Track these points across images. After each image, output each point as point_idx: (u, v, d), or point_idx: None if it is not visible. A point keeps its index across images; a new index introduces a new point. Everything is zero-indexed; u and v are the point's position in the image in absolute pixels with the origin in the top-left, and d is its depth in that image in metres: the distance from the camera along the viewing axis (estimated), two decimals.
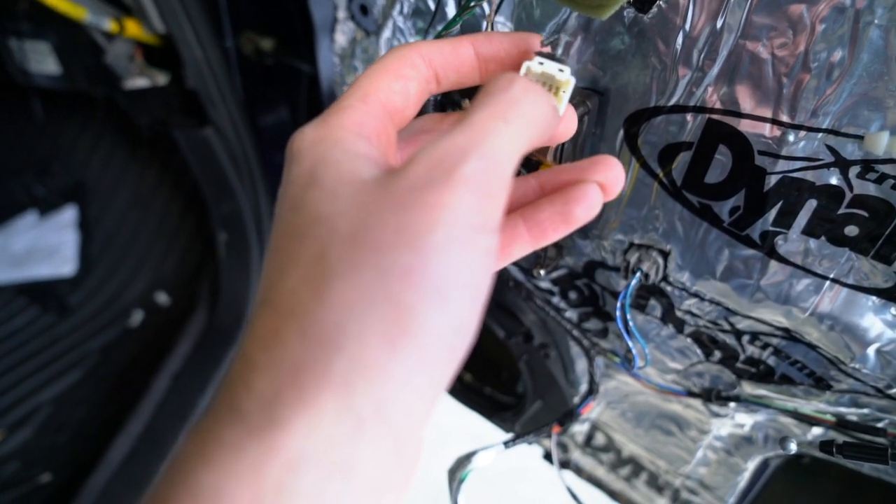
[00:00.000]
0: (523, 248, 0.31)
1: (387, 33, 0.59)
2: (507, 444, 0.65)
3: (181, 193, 1.24)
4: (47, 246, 1.27)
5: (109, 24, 0.77)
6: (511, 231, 0.31)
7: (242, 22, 0.83)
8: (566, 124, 0.33)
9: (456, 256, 0.22)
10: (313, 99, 0.92)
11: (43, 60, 0.99)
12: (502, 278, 0.65)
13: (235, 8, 0.81)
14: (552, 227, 0.31)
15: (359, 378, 0.21)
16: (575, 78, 0.30)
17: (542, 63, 0.30)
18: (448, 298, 0.22)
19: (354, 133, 0.26)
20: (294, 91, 0.92)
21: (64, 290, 1.26)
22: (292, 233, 0.24)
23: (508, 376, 0.81)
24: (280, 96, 0.93)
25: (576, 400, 0.71)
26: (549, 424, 0.65)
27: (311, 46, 0.81)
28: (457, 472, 0.63)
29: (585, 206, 0.31)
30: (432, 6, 0.54)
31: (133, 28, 0.80)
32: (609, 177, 0.31)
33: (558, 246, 0.57)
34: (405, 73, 0.29)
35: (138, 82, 0.90)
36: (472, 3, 0.43)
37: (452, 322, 0.22)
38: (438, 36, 0.45)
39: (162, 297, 1.25)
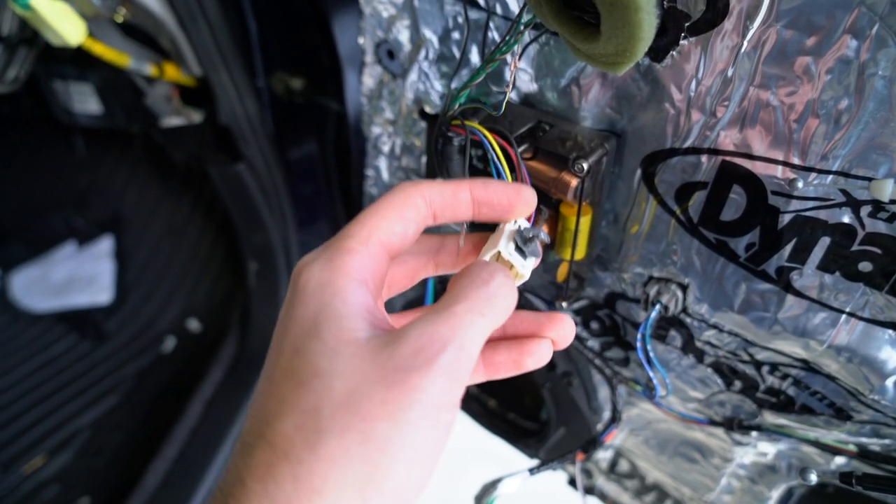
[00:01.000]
0: (476, 379, 0.37)
1: (412, 76, 0.62)
2: (532, 470, 0.67)
3: (212, 224, 1.28)
4: (85, 275, 1.32)
5: (150, 69, 0.82)
6: None
7: (274, 62, 0.87)
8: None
9: (424, 430, 0.27)
10: (340, 134, 0.96)
11: (85, 101, 1.04)
12: (523, 308, 0.67)
13: (267, 50, 0.85)
14: (504, 369, 0.36)
15: None
16: (528, 276, 0.34)
17: (511, 254, 0.34)
18: (413, 463, 0.27)
19: (357, 281, 0.30)
20: (322, 127, 0.96)
21: (100, 317, 1.30)
22: (292, 378, 0.28)
23: (532, 403, 0.82)
24: (309, 132, 0.96)
25: (599, 427, 0.72)
26: (574, 451, 0.67)
27: (339, 86, 0.85)
28: (483, 498, 0.65)
29: (536, 358, 0.37)
30: (457, 53, 0.57)
31: (171, 71, 0.84)
32: (560, 334, 0.38)
33: (580, 278, 0.59)
34: (407, 214, 0.33)
35: (174, 121, 0.95)
36: (497, 57, 0.46)
37: (414, 482, 0.27)
38: (465, 85, 0.48)
39: (193, 324, 1.29)
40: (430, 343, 0.27)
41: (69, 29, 0.68)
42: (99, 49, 0.75)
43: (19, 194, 1.36)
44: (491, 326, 0.30)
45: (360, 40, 0.66)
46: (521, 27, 0.44)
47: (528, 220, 0.39)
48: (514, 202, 0.36)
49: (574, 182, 0.50)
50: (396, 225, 0.32)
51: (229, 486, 0.26)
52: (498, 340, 0.37)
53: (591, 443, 0.65)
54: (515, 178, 0.45)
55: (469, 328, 0.29)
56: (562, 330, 0.37)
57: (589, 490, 0.82)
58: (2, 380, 1.24)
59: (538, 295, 0.65)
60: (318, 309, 0.29)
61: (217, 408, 0.98)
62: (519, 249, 0.35)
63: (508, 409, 0.89)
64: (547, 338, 0.37)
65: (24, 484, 1.04)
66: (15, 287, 1.36)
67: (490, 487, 0.66)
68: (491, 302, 0.30)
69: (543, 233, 0.37)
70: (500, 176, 0.45)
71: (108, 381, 1.18)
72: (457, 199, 0.35)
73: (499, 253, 0.34)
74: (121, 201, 1.34)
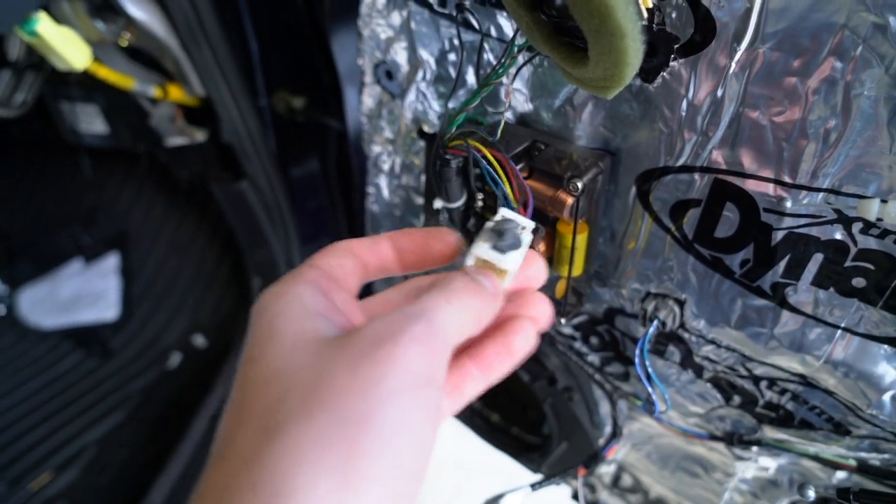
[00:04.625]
0: (475, 384, 0.34)
1: (411, 97, 0.63)
2: (534, 486, 0.67)
3: (216, 241, 1.30)
4: (92, 292, 1.33)
5: (155, 91, 0.83)
6: (460, 371, 0.33)
7: (275, 81, 0.88)
8: (536, 274, 0.37)
9: (404, 407, 0.24)
10: (342, 152, 0.97)
11: (91, 121, 1.06)
12: None
13: (269, 69, 0.87)
14: (498, 360, 0.34)
15: None
16: (515, 268, 0.34)
17: (487, 252, 0.33)
18: (400, 447, 0.23)
19: (312, 286, 0.29)
20: (324, 145, 0.97)
21: (107, 333, 1.32)
22: (249, 387, 0.25)
23: (534, 418, 0.82)
24: (311, 149, 0.98)
25: (601, 442, 0.72)
26: (575, 467, 0.67)
27: (339, 105, 0.86)
28: None
29: (523, 336, 0.34)
30: (453, 74, 0.58)
31: (175, 93, 0.86)
32: (538, 312, 0.35)
33: (578, 294, 0.59)
34: (340, 255, 0.33)
35: (178, 140, 0.96)
36: (492, 81, 0.47)
37: (402, 469, 0.23)
38: (461, 109, 0.49)
39: (199, 340, 1.30)
40: (396, 320, 0.26)
41: (75, 54, 0.70)
42: (104, 73, 0.76)
43: (27, 213, 1.38)
44: (461, 317, 0.29)
45: (360, 61, 0.67)
46: (516, 50, 0.45)
47: (522, 213, 0.38)
48: (433, 244, 0.35)
49: (570, 200, 0.50)
50: (334, 260, 0.32)
51: None
52: (482, 338, 0.34)
53: (593, 458, 0.66)
54: (514, 193, 0.46)
55: (437, 309, 0.27)
56: (538, 308, 0.35)
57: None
58: (9, 397, 1.25)
59: None
60: (275, 315, 0.27)
61: None
62: (495, 247, 0.33)
63: (512, 423, 0.89)
64: (526, 316, 0.35)
65: (31, 501, 1.05)
66: (23, 304, 1.38)
67: (492, 503, 0.66)
68: (456, 295, 0.29)
69: (520, 219, 0.35)
70: (500, 190, 0.46)
71: (115, 398, 1.19)
72: (377, 251, 0.34)
73: (476, 256, 0.33)
74: (127, 219, 1.36)
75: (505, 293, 0.33)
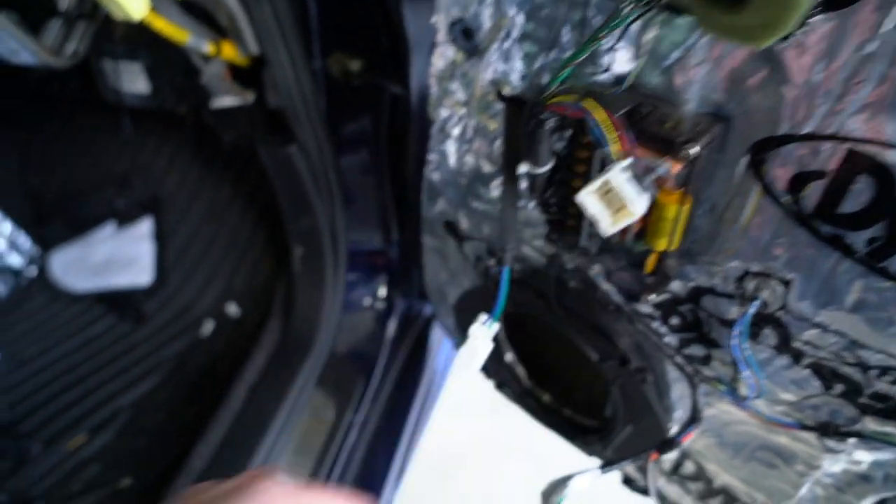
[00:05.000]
0: None
1: (491, 56, 0.60)
2: (603, 467, 0.64)
3: (254, 208, 1.27)
4: (125, 256, 1.31)
5: (208, 47, 0.80)
6: None
7: (332, 43, 0.85)
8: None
9: None
10: (396, 117, 0.94)
11: (134, 80, 1.03)
12: (598, 300, 0.64)
13: (326, 30, 0.83)
14: None
15: None
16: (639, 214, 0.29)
17: (622, 184, 0.28)
18: None
19: None
20: (377, 110, 0.94)
21: (139, 299, 1.30)
22: None
23: (595, 399, 0.79)
24: (363, 115, 0.94)
25: (673, 427, 0.69)
26: (647, 451, 0.64)
27: (399, 67, 0.82)
28: (552, 495, 0.63)
29: None
30: (545, 32, 0.54)
31: (228, 50, 0.82)
32: None
33: (667, 270, 0.56)
34: None
35: (227, 100, 0.93)
36: (601, 35, 0.43)
37: None
38: (567, 62, 0.45)
39: (232, 308, 1.28)
40: None
41: (133, 3, 0.66)
42: (160, 24, 0.73)
43: (61, 174, 1.36)
44: None
45: (433, 19, 0.63)
46: (630, 3, 0.41)
47: None
48: None
49: (678, 167, 0.47)
50: None
51: None
52: None
53: (668, 443, 0.63)
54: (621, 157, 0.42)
55: None
56: None
57: (643, 490, 0.79)
58: (42, 357, 1.24)
59: (621, 287, 0.62)
60: None
61: (261, 393, 0.96)
62: (634, 179, 0.29)
63: (564, 404, 0.86)
64: None
65: (67, 462, 1.04)
66: (55, 266, 1.36)
67: (560, 485, 0.63)
68: None
69: (665, 167, 0.32)
70: (603, 152, 0.43)
71: (148, 363, 1.17)
72: None
73: (607, 182, 0.29)
74: (162, 183, 1.33)
75: None
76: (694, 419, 0.61)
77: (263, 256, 1.26)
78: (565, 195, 0.56)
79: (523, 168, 0.54)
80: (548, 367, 0.85)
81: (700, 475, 0.74)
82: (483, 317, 0.63)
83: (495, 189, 0.69)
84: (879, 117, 0.39)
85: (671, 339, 0.64)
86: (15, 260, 1.32)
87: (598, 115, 0.41)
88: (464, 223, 0.79)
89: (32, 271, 1.36)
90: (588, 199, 0.34)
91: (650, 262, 0.55)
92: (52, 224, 1.37)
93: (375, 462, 1.00)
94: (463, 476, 1.59)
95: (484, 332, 0.62)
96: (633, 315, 0.63)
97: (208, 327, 1.27)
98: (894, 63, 0.37)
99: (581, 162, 0.52)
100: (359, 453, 0.97)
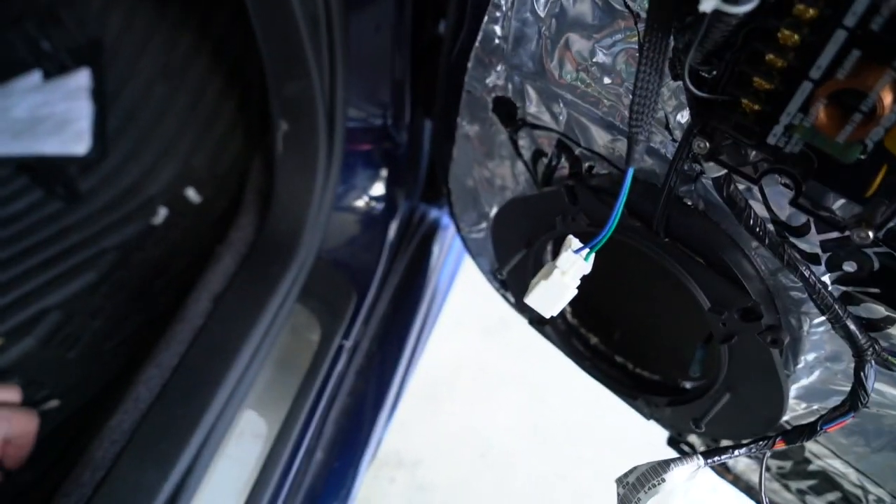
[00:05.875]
0: None
1: None
2: (707, 457, 0.47)
3: (221, 67, 1.00)
4: (55, 115, 1.04)
5: None
6: None
7: None
8: None
9: None
10: None
11: None
12: (739, 226, 0.44)
13: None
14: None
15: None
16: None
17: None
18: None
19: None
20: None
21: (74, 172, 1.04)
22: None
23: (670, 351, 0.62)
24: None
25: (812, 409, 0.52)
26: (774, 437, 0.47)
27: None
28: (640, 490, 0.46)
29: None
30: None
31: None
32: None
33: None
34: None
35: None
36: None
37: None
38: None
39: (191, 194, 1.04)
40: None
41: None
42: None
43: None
44: None
45: None
46: None
47: None
48: None
49: None
50: None
51: None
52: None
53: (807, 430, 0.46)
54: None
55: None
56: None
57: (722, 471, 0.64)
58: None
59: (766, 205, 0.42)
60: None
61: (228, 305, 0.76)
62: None
63: (618, 351, 0.69)
64: None
65: None
66: None
67: (651, 476, 0.46)
68: None
69: None
70: None
71: (83, 254, 0.94)
72: None
73: None
74: (104, 24, 1.03)
75: None
76: (855, 406, 0.43)
77: (234, 129, 1.00)
78: (756, 60, 0.34)
79: (707, 3, 0.32)
80: (612, 307, 0.66)
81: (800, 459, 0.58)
82: (574, 242, 0.43)
83: (603, 50, 0.47)
84: None
85: (834, 292, 0.45)
86: None
87: None
88: (530, 102, 0.57)
89: None
90: None
91: (878, 178, 0.35)
92: None
93: (366, 395, 0.83)
94: (449, 405, 1.45)
95: (577, 265, 0.42)
96: (786, 251, 0.44)
97: (161, 214, 1.03)
98: None
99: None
100: (347, 384, 0.80)
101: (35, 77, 1.08)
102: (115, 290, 0.92)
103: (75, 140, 1.04)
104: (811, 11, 0.32)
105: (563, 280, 0.42)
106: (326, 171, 0.81)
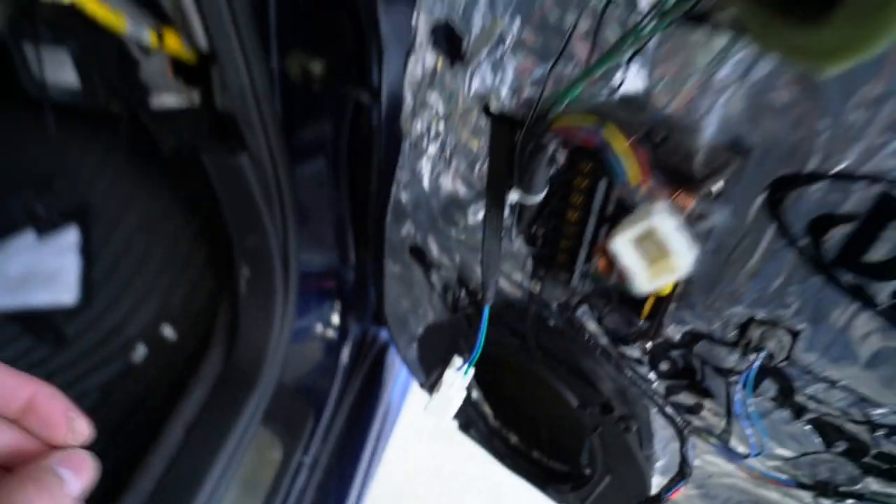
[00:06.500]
0: None
1: (480, 66, 0.53)
2: None
3: (194, 222, 1.16)
4: (46, 270, 1.17)
5: (149, 36, 0.70)
6: None
7: (291, 41, 0.77)
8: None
9: None
10: (359, 129, 0.86)
11: (59, 70, 0.91)
12: (584, 343, 0.59)
13: (285, 26, 0.75)
14: None
15: None
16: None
17: (671, 232, 0.23)
18: None
19: None
20: (338, 118, 0.86)
21: (60, 319, 1.16)
22: None
23: (565, 444, 0.74)
24: (321, 124, 0.86)
25: (655, 476, 0.64)
26: None
27: (367, 72, 0.75)
28: None
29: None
30: (546, 41, 0.48)
31: (172, 41, 0.73)
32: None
33: (662, 317, 0.51)
34: None
35: (168, 100, 0.83)
36: (623, 48, 0.37)
37: None
38: (579, 79, 0.39)
39: (168, 331, 1.16)
40: None
41: None
42: (92, 6, 0.63)
43: None
44: None
45: (413, 20, 0.56)
46: (660, 13, 0.36)
47: None
48: (64, 424, 0.33)
49: (690, 203, 0.42)
50: None
51: None
52: None
53: (655, 500, 0.57)
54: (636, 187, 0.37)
55: None
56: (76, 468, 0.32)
57: None
58: None
59: (613, 334, 0.56)
60: None
61: (200, 432, 0.86)
62: (683, 227, 0.23)
63: (535, 447, 0.80)
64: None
65: None
66: None
67: None
68: None
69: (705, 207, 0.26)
70: (622, 183, 0.37)
71: (69, 394, 1.03)
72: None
73: (651, 229, 0.23)
74: (90, 189, 1.20)
75: None
76: (683, 475, 0.56)
77: (204, 276, 1.15)
78: (557, 228, 0.50)
79: (513, 196, 0.48)
80: (518, 409, 0.79)
81: None
82: (457, 361, 0.57)
83: (473, 216, 0.63)
84: None
85: (658, 386, 0.59)
86: None
87: (619, 146, 0.35)
88: (433, 250, 0.72)
89: None
90: (623, 247, 0.29)
91: (647, 306, 0.50)
92: None
93: None
94: None
95: (459, 380, 0.55)
96: (619, 360, 0.58)
97: (140, 353, 1.14)
98: None
99: (579, 192, 0.47)
100: (308, 499, 0.88)
101: (29, 236, 1.22)
102: (98, 425, 1.01)
103: (63, 291, 1.17)
104: (580, 199, 0.48)
105: (448, 393, 0.55)
106: (283, 308, 0.94)
